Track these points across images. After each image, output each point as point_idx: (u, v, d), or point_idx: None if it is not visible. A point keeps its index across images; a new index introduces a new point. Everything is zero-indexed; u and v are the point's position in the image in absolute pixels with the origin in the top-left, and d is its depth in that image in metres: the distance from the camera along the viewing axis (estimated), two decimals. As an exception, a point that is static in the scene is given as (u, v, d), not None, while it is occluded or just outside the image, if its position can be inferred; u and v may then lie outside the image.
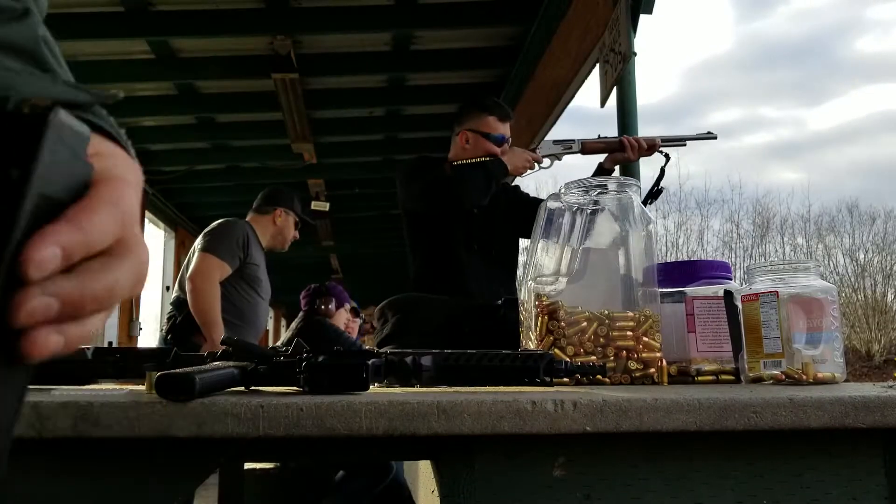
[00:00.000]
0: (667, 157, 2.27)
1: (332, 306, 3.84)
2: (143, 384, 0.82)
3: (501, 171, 2.19)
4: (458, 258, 2.21)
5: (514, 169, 2.24)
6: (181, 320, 3.01)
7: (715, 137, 2.39)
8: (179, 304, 3.04)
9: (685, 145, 2.34)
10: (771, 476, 0.73)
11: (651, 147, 2.28)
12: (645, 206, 1.01)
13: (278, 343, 3.79)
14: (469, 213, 2.21)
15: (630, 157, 2.28)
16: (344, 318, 3.97)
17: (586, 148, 2.33)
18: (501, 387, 0.87)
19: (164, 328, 3.12)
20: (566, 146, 2.32)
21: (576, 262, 1.02)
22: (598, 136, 2.38)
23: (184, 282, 3.02)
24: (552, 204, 1.08)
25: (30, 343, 0.32)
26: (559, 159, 2.33)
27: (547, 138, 2.35)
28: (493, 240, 2.25)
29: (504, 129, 2.27)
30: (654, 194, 2.08)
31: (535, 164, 2.29)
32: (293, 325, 3.82)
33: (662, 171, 2.20)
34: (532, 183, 17.83)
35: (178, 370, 0.67)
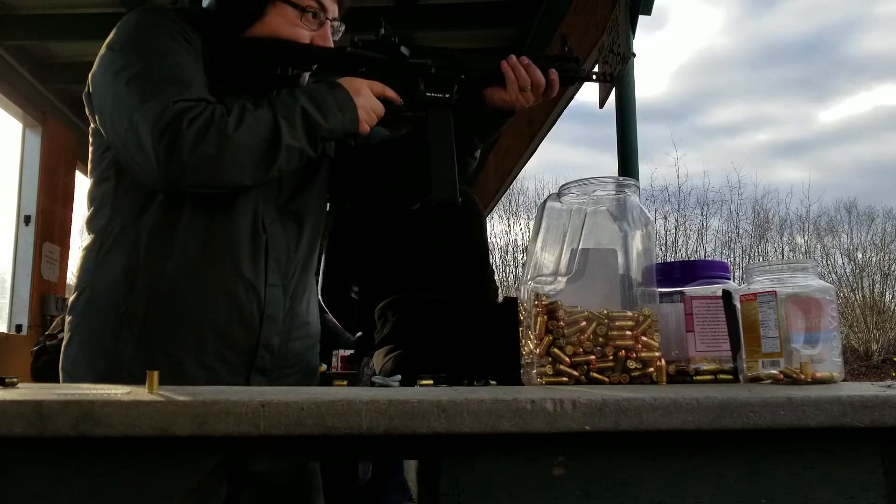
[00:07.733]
0: None
1: None
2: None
3: None
4: None
5: None
6: None
7: None
8: None
9: None
10: (769, 475, 0.74)
11: None
12: None
13: None
14: None
15: None
16: None
17: None
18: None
19: None
20: None
21: (575, 262, 1.03)
22: None
23: None
24: (551, 204, 1.09)
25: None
26: None
27: None
28: None
29: None
30: None
31: None
32: None
33: None
34: (532, 184, 17.83)
35: None
